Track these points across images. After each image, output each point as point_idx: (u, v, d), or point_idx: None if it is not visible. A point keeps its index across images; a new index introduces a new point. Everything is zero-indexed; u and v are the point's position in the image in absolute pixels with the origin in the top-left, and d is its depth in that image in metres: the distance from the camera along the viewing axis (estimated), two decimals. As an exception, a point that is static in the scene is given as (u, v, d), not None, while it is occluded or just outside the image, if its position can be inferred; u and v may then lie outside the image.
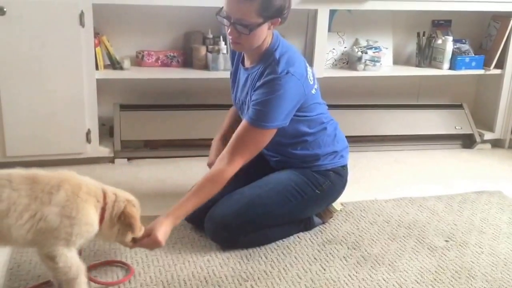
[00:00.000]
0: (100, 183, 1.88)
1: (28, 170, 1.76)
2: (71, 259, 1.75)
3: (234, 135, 2.19)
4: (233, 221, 2.22)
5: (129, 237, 1.91)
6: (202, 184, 2.13)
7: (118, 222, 1.84)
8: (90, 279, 1.94)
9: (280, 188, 2.28)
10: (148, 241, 1.96)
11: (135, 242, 1.95)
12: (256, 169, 2.38)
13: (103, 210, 1.82)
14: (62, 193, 1.71)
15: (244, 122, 2.19)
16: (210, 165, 2.43)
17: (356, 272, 2.14)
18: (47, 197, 1.69)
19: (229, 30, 2.13)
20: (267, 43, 2.21)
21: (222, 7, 2.12)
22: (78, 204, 1.73)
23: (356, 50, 3.58)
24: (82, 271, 1.79)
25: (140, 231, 1.92)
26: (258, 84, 2.18)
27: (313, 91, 2.29)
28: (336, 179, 2.39)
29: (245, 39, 2.12)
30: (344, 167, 2.46)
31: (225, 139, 2.48)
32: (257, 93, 2.17)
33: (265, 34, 2.16)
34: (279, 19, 2.14)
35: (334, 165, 2.39)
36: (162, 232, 1.98)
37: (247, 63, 2.31)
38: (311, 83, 2.27)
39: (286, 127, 2.22)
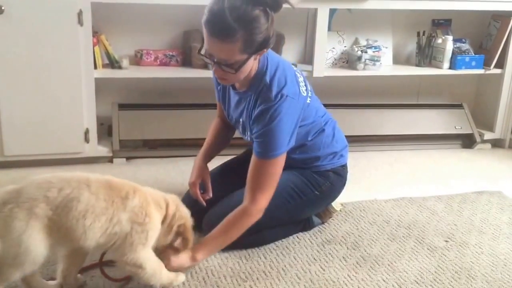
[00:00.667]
0: (162, 192, 1.93)
1: (103, 176, 1.80)
2: (153, 262, 1.84)
3: (248, 175, 2.13)
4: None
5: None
6: (228, 223, 2.11)
7: (174, 232, 1.91)
8: (103, 275, 1.98)
9: (279, 189, 2.25)
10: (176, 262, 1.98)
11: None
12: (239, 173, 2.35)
13: (164, 218, 1.88)
14: (136, 199, 1.77)
15: (253, 158, 2.13)
16: (191, 184, 2.37)
17: (356, 273, 2.13)
18: (123, 203, 1.74)
19: (214, 68, 2.04)
20: (255, 69, 2.10)
21: (202, 45, 1.99)
22: (150, 211, 1.79)
23: (356, 49, 3.57)
24: (162, 266, 1.89)
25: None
26: (254, 114, 2.11)
27: (308, 100, 2.21)
28: (335, 180, 2.38)
29: (231, 76, 2.01)
30: (344, 166, 2.44)
31: (208, 157, 2.45)
32: (257, 125, 2.10)
33: (251, 65, 2.05)
34: (265, 50, 2.02)
35: (334, 165, 2.37)
36: (180, 260, 1.99)
37: (237, 86, 2.22)
38: (304, 94, 2.18)
39: None
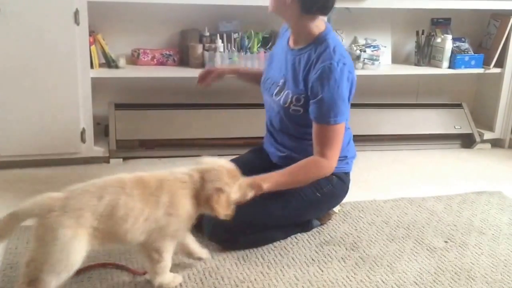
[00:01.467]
0: (190, 168, 1.93)
1: (132, 174, 1.84)
2: (169, 256, 1.91)
3: (313, 138, 2.21)
4: (233, 221, 2.18)
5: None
6: (299, 167, 2.19)
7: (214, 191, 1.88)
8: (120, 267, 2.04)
9: (282, 191, 2.25)
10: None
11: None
12: (257, 168, 2.34)
13: (195, 192, 1.88)
14: (165, 194, 1.80)
15: (314, 125, 2.19)
16: (211, 69, 2.66)
17: (354, 274, 2.11)
18: (155, 200, 1.79)
19: None
20: (319, 30, 2.23)
21: None
22: (179, 201, 1.83)
23: (355, 48, 3.55)
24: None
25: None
26: (313, 71, 2.17)
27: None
28: (337, 184, 2.37)
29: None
30: (347, 174, 2.44)
31: (247, 74, 2.74)
32: (317, 85, 2.15)
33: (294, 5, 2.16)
34: None
35: (339, 169, 2.35)
36: (249, 181, 2.02)
37: (293, 44, 2.31)
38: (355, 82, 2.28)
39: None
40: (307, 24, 2.22)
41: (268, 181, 2.09)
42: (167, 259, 1.90)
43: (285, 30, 2.43)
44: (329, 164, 2.19)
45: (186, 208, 1.85)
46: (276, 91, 2.33)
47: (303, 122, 2.27)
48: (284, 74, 2.32)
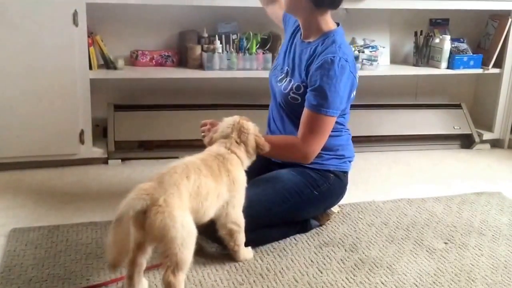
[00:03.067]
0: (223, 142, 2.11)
1: (197, 156, 2.01)
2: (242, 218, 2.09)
3: (301, 123, 2.26)
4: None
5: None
6: (281, 141, 2.30)
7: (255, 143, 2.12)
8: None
9: (278, 187, 2.27)
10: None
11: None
12: (255, 167, 2.34)
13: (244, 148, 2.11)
14: (223, 172, 1.99)
15: (306, 111, 2.23)
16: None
17: (354, 275, 2.11)
18: (220, 178, 1.96)
19: None
20: (329, 27, 2.30)
21: None
22: (234, 173, 2.02)
23: (353, 49, 3.55)
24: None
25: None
26: (316, 60, 2.22)
27: (352, 95, 2.34)
28: (335, 183, 2.37)
29: None
30: (346, 173, 2.44)
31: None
32: (316, 74, 2.20)
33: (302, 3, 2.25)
34: None
35: (336, 168, 2.36)
36: None
37: (304, 38, 2.37)
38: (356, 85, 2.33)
39: None
40: (317, 18, 2.28)
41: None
42: (243, 225, 2.09)
43: (295, 21, 2.47)
44: (306, 150, 2.23)
45: (242, 177, 2.06)
46: (280, 77, 2.40)
47: (300, 114, 2.28)
48: (289, 62, 2.38)
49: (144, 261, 1.87)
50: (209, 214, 1.94)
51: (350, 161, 2.46)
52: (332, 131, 2.29)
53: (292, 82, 2.32)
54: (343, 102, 2.24)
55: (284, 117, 2.40)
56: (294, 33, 2.44)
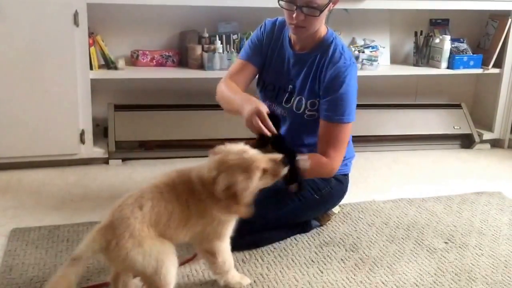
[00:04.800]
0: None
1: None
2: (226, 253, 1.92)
3: (319, 138, 2.21)
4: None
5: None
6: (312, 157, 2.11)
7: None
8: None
9: (279, 191, 2.24)
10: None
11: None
12: None
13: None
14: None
15: (323, 123, 2.19)
16: (256, 112, 2.00)
17: (354, 275, 2.11)
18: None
19: (294, 15, 2.08)
20: (323, 32, 2.24)
21: None
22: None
23: (353, 49, 3.55)
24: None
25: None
26: (326, 74, 2.18)
27: None
28: (336, 186, 2.37)
29: (310, 22, 2.10)
30: (346, 176, 2.43)
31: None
32: (331, 87, 2.16)
33: (323, 19, 2.17)
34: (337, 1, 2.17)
35: (338, 172, 2.33)
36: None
37: (297, 48, 2.28)
38: None
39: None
40: (320, 29, 2.23)
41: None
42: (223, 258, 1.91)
43: (276, 36, 2.33)
44: (332, 164, 2.18)
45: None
46: (285, 98, 2.30)
47: (317, 128, 2.25)
48: (291, 79, 2.29)
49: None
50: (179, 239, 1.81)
51: (350, 161, 2.46)
52: None
53: (304, 100, 2.26)
54: (355, 104, 2.24)
55: (300, 135, 2.34)
56: (276, 49, 2.33)
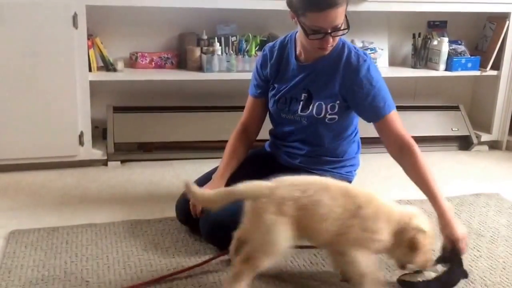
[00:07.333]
0: (399, 206, 2.00)
1: (341, 182, 1.93)
2: (366, 266, 1.88)
3: (384, 137, 2.27)
4: (229, 220, 2.17)
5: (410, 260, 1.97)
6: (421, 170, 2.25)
7: (404, 246, 1.92)
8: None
9: None
10: None
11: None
12: (256, 168, 2.33)
13: (394, 232, 1.91)
14: (369, 210, 1.86)
15: (377, 123, 2.24)
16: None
17: (353, 276, 2.11)
18: (356, 211, 1.84)
19: (330, 41, 2.08)
20: None
21: (307, 32, 2.05)
22: (378, 224, 1.87)
23: (352, 51, 3.55)
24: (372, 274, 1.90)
25: (425, 261, 1.98)
26: (349, 72, 2.18)
27: None
28: None
29: (336, 39, 2.13)
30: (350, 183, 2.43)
31: (225, 178, 2.29)
32: (364, 85, 2.18)
33: None
34: None
35: (344, 177, 2.34)
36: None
37: (302, 59, 2.26)
38: None
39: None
40: None
41: (442, 203, 2.18)
42: (364, 267, 1.88)
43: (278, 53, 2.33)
44: (413, 144, 2.23)
45: (382, 232, 1.88)
46: (300, 106, 2.28)
47: (338, 129, 2.28)
48: (304, 88, 2.26)
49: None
50: (323, 237, 1.87)
51: (355, 170, 2.47)
52: (354, 136, 2.38)
53: (324, 104, 2.24)
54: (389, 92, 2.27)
55: (322, 137, 2.32)
56: (280, 66, 2.31)
